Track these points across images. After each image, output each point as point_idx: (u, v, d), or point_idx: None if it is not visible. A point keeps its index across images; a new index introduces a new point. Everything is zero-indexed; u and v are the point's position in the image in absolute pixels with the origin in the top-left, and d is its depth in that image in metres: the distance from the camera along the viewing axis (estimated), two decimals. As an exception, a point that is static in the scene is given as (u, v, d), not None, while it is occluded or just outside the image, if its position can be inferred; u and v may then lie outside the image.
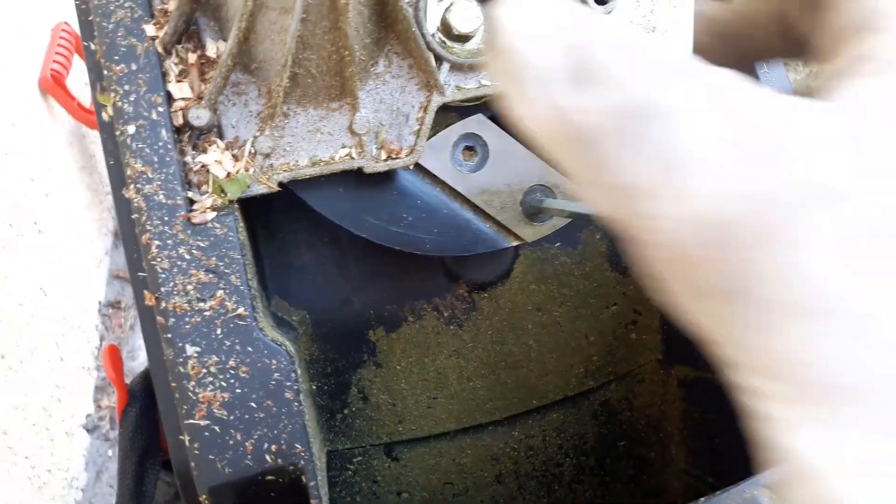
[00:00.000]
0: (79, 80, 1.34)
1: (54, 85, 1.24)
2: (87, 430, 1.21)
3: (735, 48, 0.33)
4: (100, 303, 1.35)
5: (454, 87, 0.45)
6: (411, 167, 0.47)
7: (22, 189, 1.13)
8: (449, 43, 0.45)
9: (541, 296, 0.56)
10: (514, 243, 0.50)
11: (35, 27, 1.29)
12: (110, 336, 1.37)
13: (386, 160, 0.45)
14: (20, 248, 1.09)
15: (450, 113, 0.48)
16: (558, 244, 0.57)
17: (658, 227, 0.19)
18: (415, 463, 0.56)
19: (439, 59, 0.44)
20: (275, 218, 0.52)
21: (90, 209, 1.37)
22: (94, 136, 1.41)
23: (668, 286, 0.21)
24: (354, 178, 0.47)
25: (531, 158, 0.48)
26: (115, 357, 0.46)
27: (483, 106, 0.48)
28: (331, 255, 0.53)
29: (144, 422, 0.46)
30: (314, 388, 0.54)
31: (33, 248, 1.13)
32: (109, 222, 1.44)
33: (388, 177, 0.48)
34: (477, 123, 0.48)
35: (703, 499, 0.40)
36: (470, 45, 0.45)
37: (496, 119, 0.49)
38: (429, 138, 0.47)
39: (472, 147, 0.49)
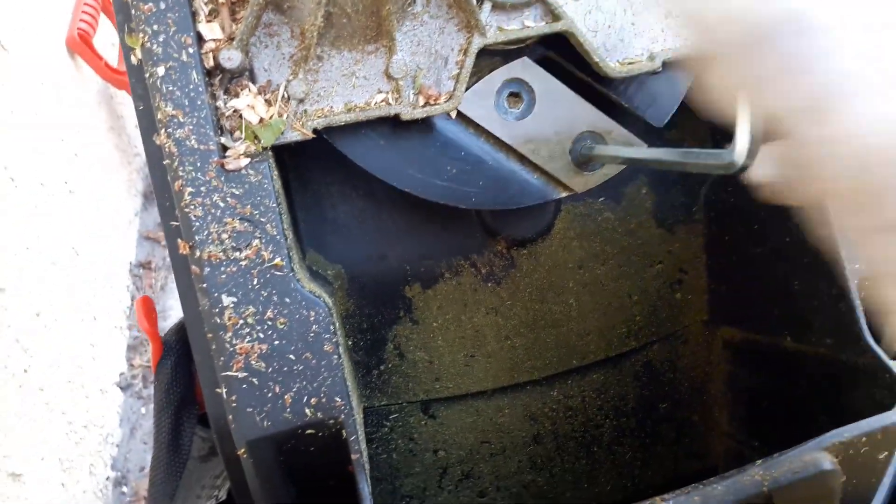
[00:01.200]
0: (106, 40, 1.33)
1: (81, 44, 1.22)
2: (121, 388, 1.22)
3: None
4: (130, 263, 1.36)
5: (496, 29, 0.43)
6: (453, 115, 0.45)
7: (52, 149, 1.13)
8: (492, -20, 0.43)
9: (582, 253, 0.54)
10: (564, 194, 0.48)
11: (62, -15, 1.28)
12: (141, 296, 1.37)
13: (424, 106, 0.43)
14: (51, 207, 1.09)
15: (493, 57, 0.46)
16: (602, 199, 0.55)
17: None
18: (451, 421, 0.55)
19: (481, -2, 0.42)
20: (309, 169, 0.50)
21: (119, 170, 1.37)
22: (122, 97, 1.40)
23: (845, 219, 0.22)
24: (394, 128, 0.45)
25: (580, 104, 0.46)
26: (148, 308, 0.46)
27: (527, 49, 0.46)
28: (366, 208, 0.51)
29: (180, 374, 0.45)
30: (350, 343, 0.52)
31: (64, 208, 1.13)
32: (139, 183, 1.44)
33: (429, 127, 0.46)
34: (522, 68, 0.46)
35: (759, 461, 0.39)
36: (514, -17, 0.43)
37: (543, 62, 0.46)
38: (471, 84, 0.45)
39: (518, 93, 0.46)
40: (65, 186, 1.16)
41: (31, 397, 0.95)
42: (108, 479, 1.11)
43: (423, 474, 0.55)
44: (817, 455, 0.39)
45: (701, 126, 0.55)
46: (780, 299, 0.50)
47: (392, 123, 0.45)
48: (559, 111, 0.46)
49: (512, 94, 0.47)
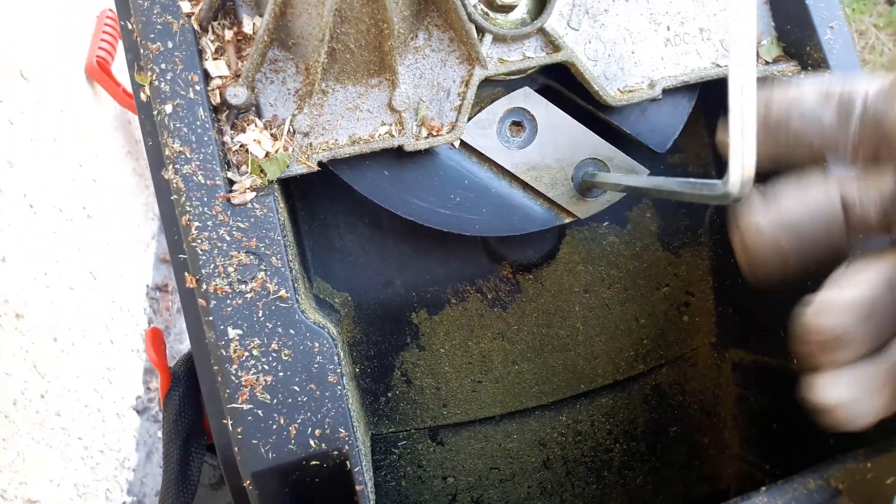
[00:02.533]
0: (124, 67, 1.35)
1: (100, 71, 1.25)
2: (137, 412, 1.23)
3: None
4: (147, 286, 1.37)
5: (497, 60, 0.44)
6: (456, 144, 0.46)
7: (70, 174, 1.15)
8: (491, 14, 0.43)
9: (588, 277, 0.55)
10: (567, 220, 0.48)
11: (81, 14, 1.31)
12: (158, 319, 1.39)
13: (427, 137, 0.44)
14: (69, 232, 1.11)
15: (495, 87, 0.47)
16: (606, 223, 0.55)
17: None
18: (460, 447, 0.55)
19: (481, 31, 0.43)
20: (316, 199, 0.51)
21: (136, 194, 1.39)
22: (139, 123, 1.43)
23: None
24: (397, 158, 0.46)
25: (582, 131, 0.46)
26: (157, 340, 0.46)
27: (529, 78, 0.47)
28: (372, 236, 0.52)
29: (188, 405, 0.46)
30: (357, 370, 0.53)
31: (82, 233, 1.15)
32: (156, 206, 1.46)
33: (432, 157, 0.46)
34: (524, 97, 0.46)
35: (764, 488, 0.39)
36: (513, 16, 0.43)
37: (544, 91, 0.47)
38: (474, 114, 0.46)
39: (520, 122, 0.47)
40: (83, 211, 1.18)
41: (48, 422, 0.96)
42: (124, 503, 1.12)
43: (433, 501, 0.55)
44: (821, 482, 0.38)
45: (704, 150, 0.55)
46: (786, 321, 0.50)
47: (395, 154, 0.45)
48: (561, 139, 0.47)
49: (514, 123, 0.47)
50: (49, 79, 1.13)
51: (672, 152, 0.50)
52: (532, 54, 0.44)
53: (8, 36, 1.04)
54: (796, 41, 0.46)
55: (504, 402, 0.55)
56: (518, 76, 0.46)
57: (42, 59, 1.13)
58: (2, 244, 0.92)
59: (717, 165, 0.55)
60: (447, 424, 0.55)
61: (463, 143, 0.47)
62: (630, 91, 0.45)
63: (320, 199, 0.51)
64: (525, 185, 0.47)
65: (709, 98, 0.52)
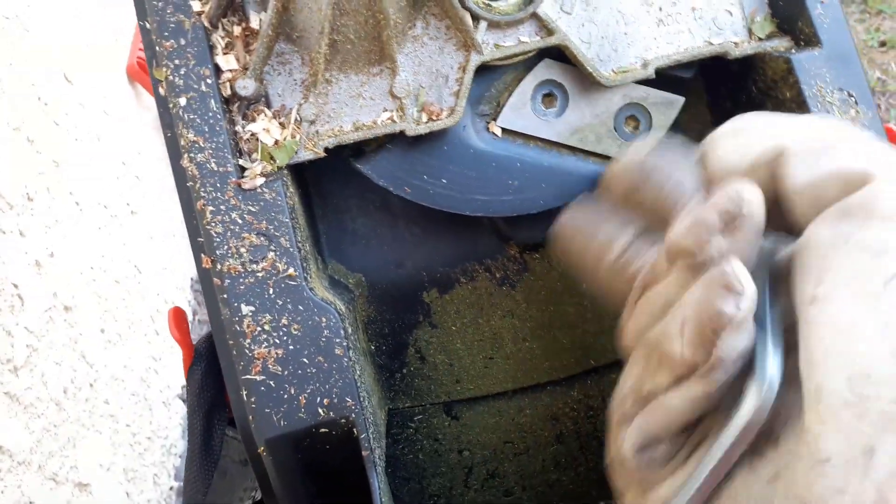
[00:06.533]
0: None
1: (141, 71, 1.30)
2: (183, 400, 1.28)
3: None
4: (192, 279, 1.42)
5: (492, 46, 0.45)
6: (498, 132, 0.49)
7: (114, 172, 1.21)
8: (486, 1, 0.45)
9: None
10: None
11: (121, 17, 1.36)
12: (203, 310, 1.44)
13: (427, 122, 0.46)
14: (115, 228, 1.16)
15: (517, 70, 0.49)
16: None
17: None
18: (474, 422, 0.57)
19: (476, 18, 0.44)
20: (328, 185, 0.54)
21: (178, 191, 1.44)
22: (180, 122, 1.48)
23: None
24: (448, 162, 0.48)
25: (610, 83, 0.48)
26: (179, 318, 0.49)
27: (543, 52, 0.48)
28: (383, 219, 0.54)
29: (210, 379, 0.49)
30: (373, 348, 0.55)
31: (127, 228, 1.20)
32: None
33: (482, 153, 0.49)
34: (546, 68, 0.48)
35: None
36: (506, 3, 0.45)
37: (562, 56, 0.48)
38: (505, 100, 0.48)
39: (550, 93, 0.49)
40: (127, 207, 1.23)
41: (97, 409, 1.01)
42: (171, 488, 1.17)
43: (449, 474, 0.58)
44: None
45: (707, 128, 0.55)
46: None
47: (455, 156, 0.48)
48: (593, 95, 0.48)
49: (546, 96, 0.49)
50: (92, 80, 1.19)
51: (674, 132, 0.51)
52: (527, 39, 0.45)
53: (52, 41, 1.09)
54: (789, 17, 0.46)
55: (516, 378, 0.57)
56: (513, 61, 0.47)
57: (85, 61, 1.18)
58: (50, 240, 0.97)
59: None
60: (461, 399, 0.57)
61: (505, 130, 0.49)
62: (624, 71, 0.46)
63: (333, 185, 0.53)
64: (573, 149, 0.49)
65: (710, 76, 0.53)
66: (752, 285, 0.25)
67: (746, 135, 0.32)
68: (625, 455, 0.30)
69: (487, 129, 0.49)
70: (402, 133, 0.46)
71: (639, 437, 0.29)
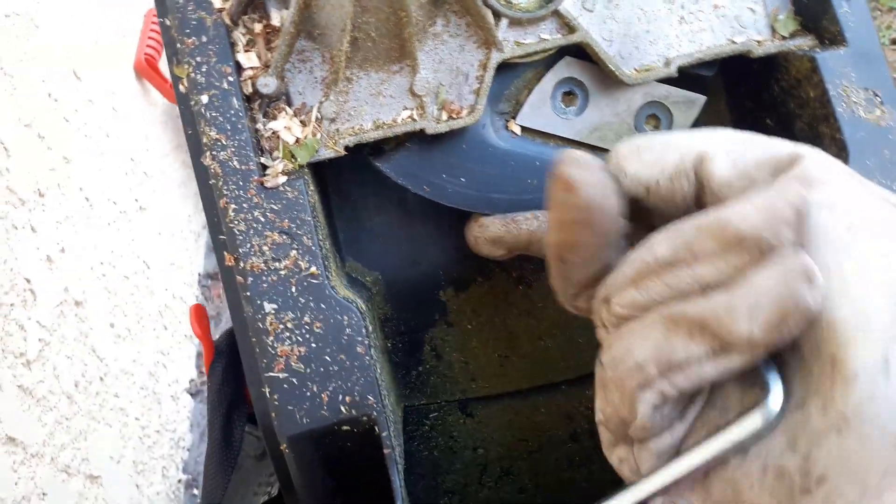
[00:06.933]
0: (171, 64, 1.41)
1: (148, 68, 1.30)
2: (191, 395, 1.29)
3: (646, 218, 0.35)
4: (199, 274, 1.42)
5: (513, 43, 0.45)
6: (517, 131, 0.49)
7: (123, 168, 1.21)
8: (508, -2, 0.45)
9: None
10: None
11: (129, 14, 1.36)
12: (210, 306, 1.44)
13: (447, 120, 0.46)
14: (123, 224, 1.16)
15: (537, 67, 0.48)
16: None
17: None
18: (489, 419, 0.57)
19: (497, 15, 0.44)
20: (346, 184, 0.54)
21: (186, 185, 1.44)
22: (188, 117, 1.48)
23: None
24: (476, 158, 0.48)
25: (632, 81, 0.47)
26: (200, 315, 0.50)
27: (564, 50, 0.48)
28: (399, 217, 0.54)
29: (230, 376, 0.49)
30: (389, 345, 0.55)
31: (135, 224, 1.20)
32: (204, 198, 1.51)
33: (503, 152, 0.49)
34: (567, 66, 0.48)
35: None
36: (528, 0, 0.45)
37: (582, 54, 0.48)
38: (525, 98, 0.48)
39: (570, 91, 0.49)
40: (135, 203, 1.23)
41: (108, 403, 1.01)
42: (179, 481, 1.17)
43: (464, 471, 0.58)
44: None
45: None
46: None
47: (466, 157, 0.48)
48: (614, 94, 0.48)
49: (566, 94, 0.49)
50: (100, 77, 1.19)
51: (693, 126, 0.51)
52: (548, 36, 0.45)
53: (61, 38, 1.09)
54: (813, 15, 0.46)
55: (531, 377, 0.57)
56: (534, 58, 0.47)
57: (94, 58, 1.18)
58: (60, 236, 0.97)
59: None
60: (476, 397, 0.57)
61: (525, 129, 0.49)
62: (646, 70, 0.46)
63: (350, 183, 0.53)
64: (593, 148, 0.49)
65: (730, 75, 0.53)
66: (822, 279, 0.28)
67: (652, 151, 0.34)
68: (643, 414, 0.31)
69: (506, 127, 0.49)
70: (421, 131, 0.46)
71: (660, 399, 0.31)
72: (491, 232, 0.48)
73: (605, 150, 0.49)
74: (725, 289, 0.29)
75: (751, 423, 0.29)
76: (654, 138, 0.35)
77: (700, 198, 0.33)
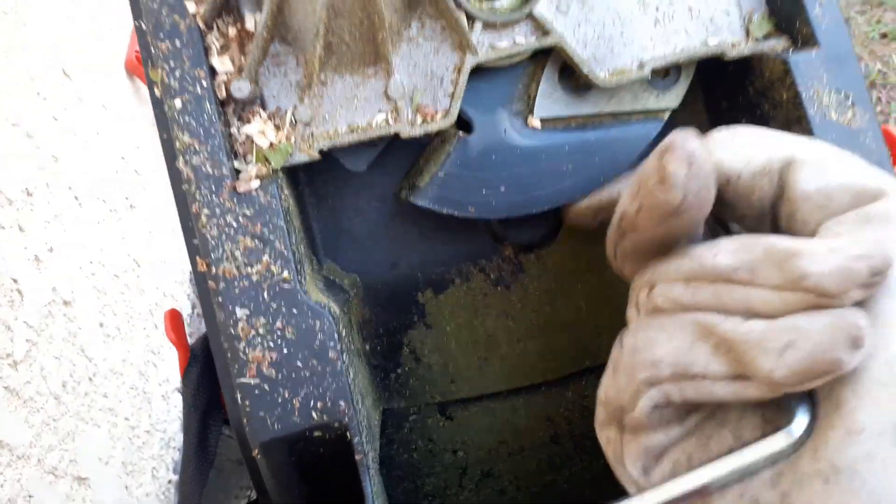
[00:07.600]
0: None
1: (139, 66, 1.30)
2: (181, 394, 1.29)
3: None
4: (189, 273, 1.42)
5: (488, 47, 0.45)
6: (537, 125, 0.48)
7: (113, 166, 1.21)
8: (480, 1, 0.45)
9: (590, 256, 0.56)
10: (665, 117, 0.50)
11: (120, 11, 1.36)
12: (200, 304, 1.44)
13: (422, 124, 0.45)
14: (113, 222, 1.16)
15: (537, 64, 0.48)
16: None
17: None
18: (469, 422, 0.57)
19: (471, 19, 0.44)
20: (323, 185, 0.53)
21: (178, 185, 1.44)
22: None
23: None
24: (508, 163, 0.48)
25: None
26: (175, 320, 0.49)
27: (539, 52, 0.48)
28: (378, 219, 0.54)
29: (205, 380, 0.49)
30: (367, 348, 0.55)
31: (126, 223, 1.20)
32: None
33: (530, 150, 0.48)
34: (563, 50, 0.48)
35: None
36: (502, 3, 0.45)
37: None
38: (533, 91, 0.48)
39: (573, 71, 0.48)
40: (126, 202, 1.23)
41: (96, 403, 1.01)
42: (170, 482, 1.17)
43: (444, 474, 0.58)
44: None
45: (703, 127, 0.55)
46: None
47: (495, 166, 0.48)
48: None
49: (572, 74, 0.49)
50: (90, 75, 1.19)
51: (670, 129, 0.51)
52: (522, 40, 0.45)
53: (51, 36, 1.09)
54: (787, 16, 0.46)
55: (511, 379, 0.57)
56: (509, 62, 0.47)
57: (83, 56, 1.18)
58: (49, 235, 0.97)
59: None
60: (456, 400, 0.57)
61: (543, 120, 0.49)
62: (620, 73, 0.46)
63: (328, 185, 0.53)
64: (614, 115, 0.49)
65: (706, 75, 0.52)
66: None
67: (745, 141, 0.34)
68: (642, 410, 0.31)
69: (527, 124, 0.49)
70: (397, 135, 0.45)
71: (663, 400, 0.31)
72: (590, 205, 0.49)
73: (626, 114, 0.49)
74: (768, 320, 0.28)
75: (768, 446, 0.28)
76: (752, 130, 0.35)
77: (776, 202, 0.32)
